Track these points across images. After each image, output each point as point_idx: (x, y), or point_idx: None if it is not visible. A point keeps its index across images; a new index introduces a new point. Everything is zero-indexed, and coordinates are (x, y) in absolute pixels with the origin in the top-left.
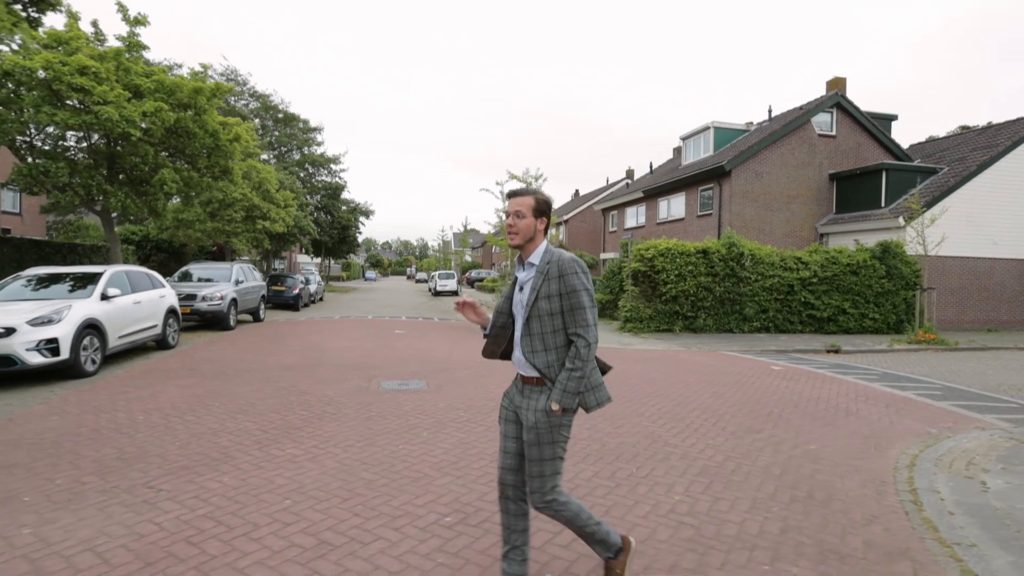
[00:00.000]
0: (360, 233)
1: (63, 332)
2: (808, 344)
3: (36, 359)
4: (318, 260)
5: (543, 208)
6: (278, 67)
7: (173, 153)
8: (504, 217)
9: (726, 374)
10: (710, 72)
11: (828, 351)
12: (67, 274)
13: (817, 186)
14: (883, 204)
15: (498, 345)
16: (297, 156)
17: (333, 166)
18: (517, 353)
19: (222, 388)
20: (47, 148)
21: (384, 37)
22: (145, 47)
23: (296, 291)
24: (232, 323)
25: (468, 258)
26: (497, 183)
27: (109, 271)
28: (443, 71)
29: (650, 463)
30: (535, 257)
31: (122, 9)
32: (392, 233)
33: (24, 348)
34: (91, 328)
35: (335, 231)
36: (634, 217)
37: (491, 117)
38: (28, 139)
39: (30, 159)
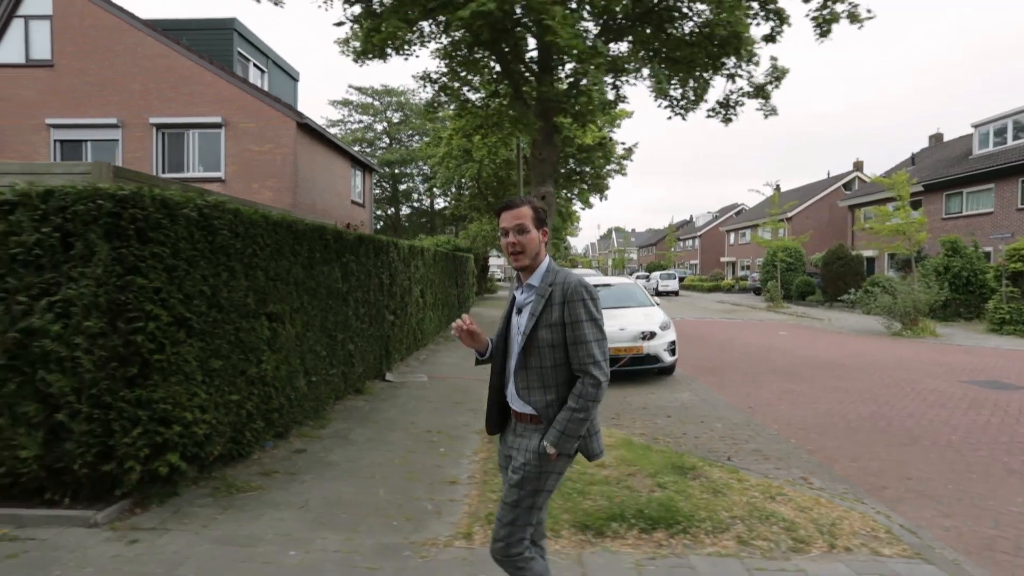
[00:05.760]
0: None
1: (676, 335)
2: None
3: (668, 359)
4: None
5: (543, 217)
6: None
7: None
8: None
9: None
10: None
11: None
12: (607, 283)
13: None
14: None
15: (495, 402)
16: None
17: None
18: (511, 387)
19: (810, 391)
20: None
21: None
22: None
23: None
24: None
25: (633, 256)
26: (767, 183)
27: (636, 280)
28: None
29: None
30: (535, 278)
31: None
32: None
33: (662, 349)
34: None
35: None
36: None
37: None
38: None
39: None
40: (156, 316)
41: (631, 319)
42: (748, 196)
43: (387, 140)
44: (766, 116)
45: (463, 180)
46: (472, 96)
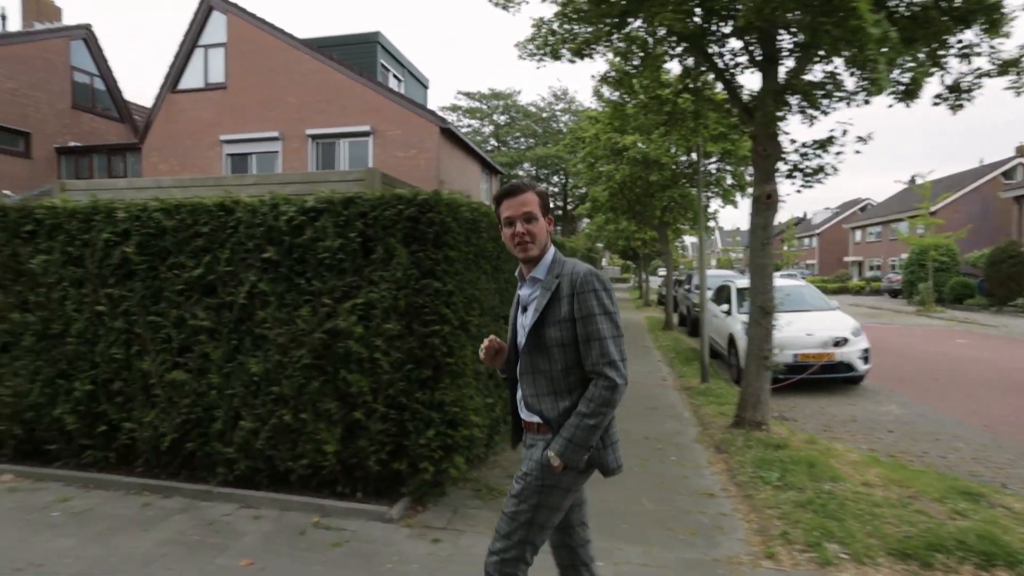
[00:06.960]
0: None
1: (869, 342)
2: None
3: (862, 367)
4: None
5: (548, 204)
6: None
7: None
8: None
9: None
10: None
11: None
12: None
13: None
14: None
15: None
16: None
17: None
18: (519, 395)
19: None
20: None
21: None
22: None
23: None
24: None
25: (739, 256)
26: (917, 175)
27: (807, 281)
28: None
29: None
30: (540, 270)
31: None
32: None
33: (856, 357)
34: None
35: None
36: None
37: None
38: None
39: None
40: (448, 319)
41: (817, 323)
42: (875, 190)
43: (494, 143)
44: (1018, 94)
45: (612, 180)
46: (662, 93)
